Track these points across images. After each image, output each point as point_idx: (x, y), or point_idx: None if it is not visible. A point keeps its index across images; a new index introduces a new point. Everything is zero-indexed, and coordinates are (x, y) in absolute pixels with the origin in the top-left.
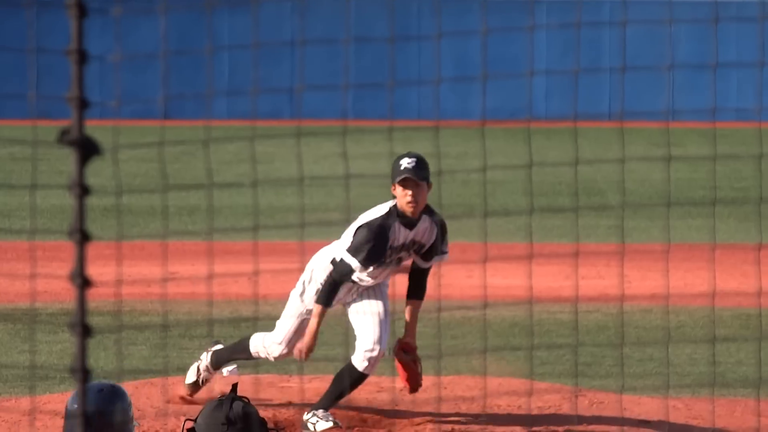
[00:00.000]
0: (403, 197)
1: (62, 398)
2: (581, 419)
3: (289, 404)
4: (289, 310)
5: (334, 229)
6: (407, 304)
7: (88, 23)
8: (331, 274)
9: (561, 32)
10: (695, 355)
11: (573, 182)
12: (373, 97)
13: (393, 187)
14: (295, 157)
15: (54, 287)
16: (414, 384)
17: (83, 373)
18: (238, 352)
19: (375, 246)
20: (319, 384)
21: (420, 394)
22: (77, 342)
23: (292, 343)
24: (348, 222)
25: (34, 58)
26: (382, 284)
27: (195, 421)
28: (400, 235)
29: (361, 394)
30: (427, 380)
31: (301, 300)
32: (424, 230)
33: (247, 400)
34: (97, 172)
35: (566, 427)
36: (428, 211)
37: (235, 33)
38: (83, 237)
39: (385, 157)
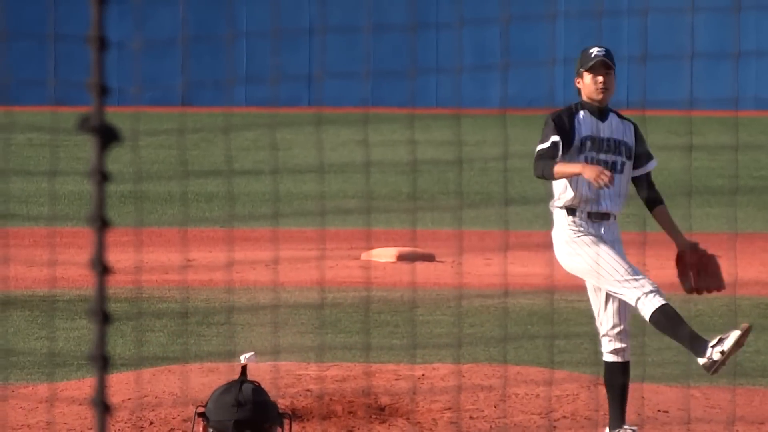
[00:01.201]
0: (592, 84)
1: (80, 385)
2: (600, 408)
3: (307, 392)
4: (580, 267)
5: (352, 217)
6: (655, 216)
7: (107, 10)
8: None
9: (580, 20)
10: None
11: None
12: (392, 85)
13: (578, 80)
14: (314, 145)
15: (72, 274)
16: (704, 285)
17: (102, 360)
18: (677, 328)
19: (561, 122)
20: (336, 372)
21: (438, 383)
22: (96, 329)
23: (625, 266)
24: (367, 210)
25: (54, 44)
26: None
27: (205, 406)
28: (590, 124)
29: (379, 382)
30: (445, 368)
31: (576, 254)
32: (617, 126)
33: (257, 384)
34: (116, 159)
35: (585, 416)
36: (615, 112)
37: (254, 20)
38: (102, 223)
39: (404, 144)
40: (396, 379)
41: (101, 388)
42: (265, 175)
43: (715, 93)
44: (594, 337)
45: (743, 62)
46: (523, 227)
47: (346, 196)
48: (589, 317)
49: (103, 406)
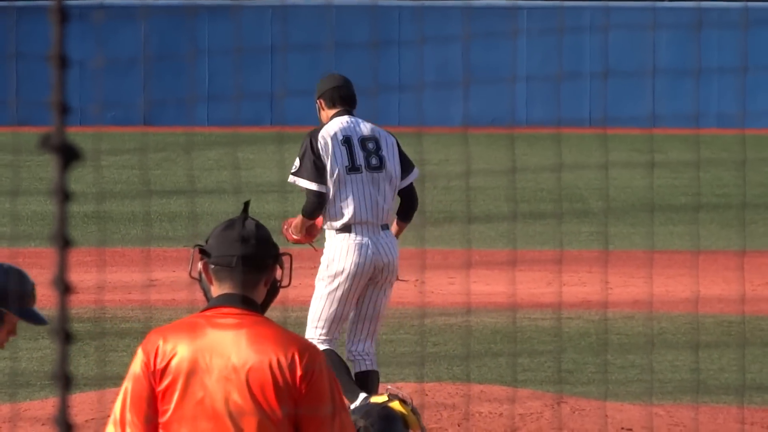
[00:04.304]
0: None
1: (43, 405)
2: (563, 426)
3: None
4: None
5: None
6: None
7: (68, 29)
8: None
9: (542, 38)
10: (677, 362)
11: (555, 188)
12: None
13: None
14: (276, 164)
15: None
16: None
17: (64, 379)
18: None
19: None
20: None
21: None
22: (58, 348)
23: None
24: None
25: (15, 64)
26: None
27: (206, 243)
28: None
29: None
30: (408, 387)
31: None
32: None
33: (259, 222)
34: (79, 179)
35: None
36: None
37: (216, 39)
38: (65, 243)
39: None
40: None
41: (64, 407)
42: (228, 194)
43: (677, 110)
44: (557, 355)
45: (705, 79)
46: (486, 246)
47: None
48: (553, 335)
49: (65, 426)
